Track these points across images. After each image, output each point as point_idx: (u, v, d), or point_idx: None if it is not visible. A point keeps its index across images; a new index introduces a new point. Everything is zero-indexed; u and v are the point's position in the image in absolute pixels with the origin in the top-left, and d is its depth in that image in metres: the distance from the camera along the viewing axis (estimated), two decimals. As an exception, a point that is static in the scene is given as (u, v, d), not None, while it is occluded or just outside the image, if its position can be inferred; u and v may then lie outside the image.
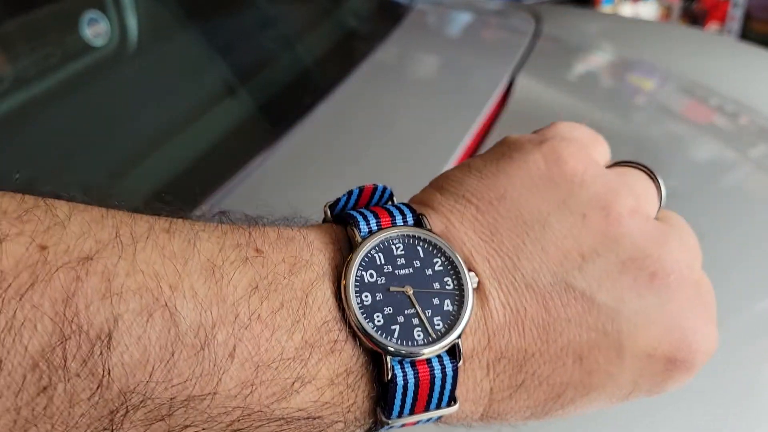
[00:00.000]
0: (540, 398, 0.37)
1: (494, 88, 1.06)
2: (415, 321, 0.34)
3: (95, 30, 0.86)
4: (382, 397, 0.34)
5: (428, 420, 0.36)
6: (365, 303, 0.34)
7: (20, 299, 0.27)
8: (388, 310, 0.34)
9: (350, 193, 0.38)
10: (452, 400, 0.35)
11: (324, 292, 0.34)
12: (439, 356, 0.34)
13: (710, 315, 0.39)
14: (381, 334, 0.33)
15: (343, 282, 0.34)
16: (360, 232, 0.36)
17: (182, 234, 0.32)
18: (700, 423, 0.60)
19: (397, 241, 0.36)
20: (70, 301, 0.27)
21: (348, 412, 0.34)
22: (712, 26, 3.29)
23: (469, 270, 0.36)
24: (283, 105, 1.02)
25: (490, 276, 0.36)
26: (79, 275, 0.28)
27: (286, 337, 0.31)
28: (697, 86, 1.18)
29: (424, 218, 0.37)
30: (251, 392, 0.31)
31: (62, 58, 0.81)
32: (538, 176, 0.38)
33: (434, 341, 0.34)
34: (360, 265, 0.35)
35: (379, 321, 0.34)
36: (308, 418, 0.32)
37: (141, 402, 0.28)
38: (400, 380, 0.33)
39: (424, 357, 0.34)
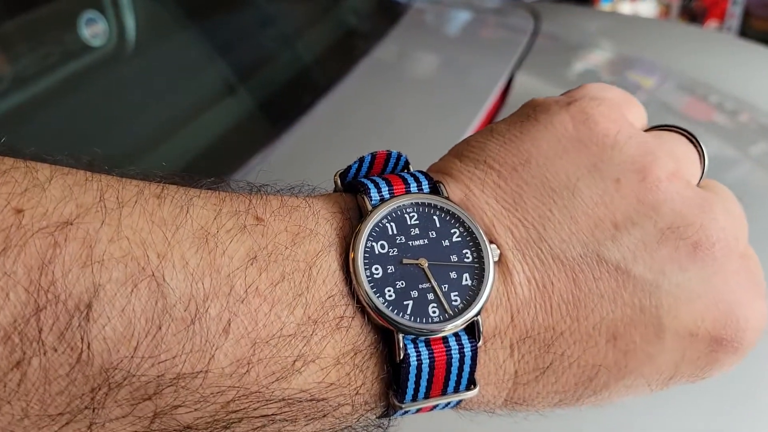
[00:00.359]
0: (570, 382, 0.34)
1: (493, 86, 1.06)
2: (430, 296, 0.32)
3: (93, 30, 0.86)
4: (394, 379, 0.31)
5: (446, 405, 0.33)
6: (375, 276, 0.31)
7: None
8: (400, 284, 0.31)
9: (362, 159, 0.35)
10: (471, 383, 0.32)
11: (330, 263, 0.31)
12: (456, 335, 0.32)
13: (759, 289, 0.35)
14: (392, 310, 0.31)
15: (351, 253, 0.31)
16: (371, 200, 0.33)
17: (174, 199, 0.30)
18: (700, 423, 0.60)
19: (411, 209, 0.33)
20: (47, 269, 0.25)
21: (356, 394, 0.31)
22: (711, 24, 3.28)
23: (491, 241, 0.33)
24: (283, 103, 1.02)
25: (514, 248, 0.33)
26: (57, 241, 0.26)
27: (286, 312, 0.29)
28: (696, 84, 1.17)
29: (441, 186, 0.34)
30: (248, 371, 0.28)
31: (60, 57, 0.81)
32: (566, 138, 0.35)
33: (451, 318, 0.31)
34: (370, 235, 0.32)
35: (390, 296, 0.31)
36: (311, 400, 0.30)
37: (125, 379, 0.26)
38: (413, 360, 0.31)
39: (439, 335, 0.31)
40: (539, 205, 0.33)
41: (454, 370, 0.32)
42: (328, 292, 0.30)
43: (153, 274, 0.27)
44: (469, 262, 0.33)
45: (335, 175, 0.36)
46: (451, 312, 0.32)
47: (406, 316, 0.31)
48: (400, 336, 0.31)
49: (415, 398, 0.32)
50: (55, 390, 0.25)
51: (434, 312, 0.31)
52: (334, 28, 1.29)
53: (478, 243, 0.33)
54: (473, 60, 1.23)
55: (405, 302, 0.31)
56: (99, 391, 0.26)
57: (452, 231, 0.33)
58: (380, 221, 0.33)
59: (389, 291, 0.31)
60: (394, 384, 0.31)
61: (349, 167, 0.35)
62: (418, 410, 0.33)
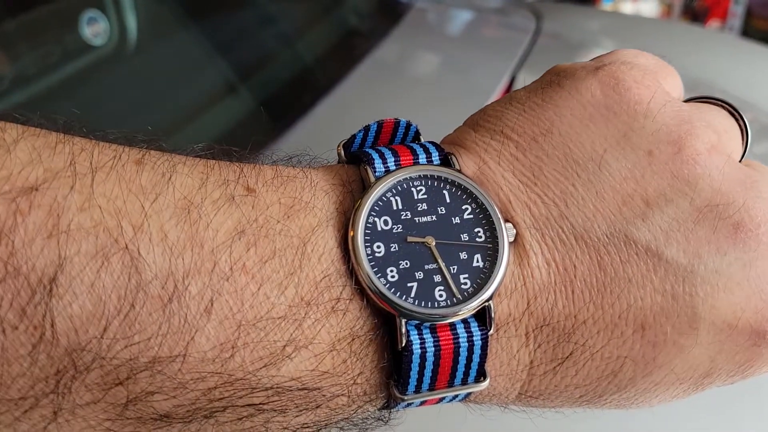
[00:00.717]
0: (592, 375, 0.31)
1: (495, 85, 1.06)
2: (437, 278, 0.29)
3: (94, 29, 0.86)
4: (395, 368, 0.28)
5: (453, 398, 0.31)
6: (377, 255, 0.28)
7: None
8: (404, 264, 0.29)
9: (367, 128, 0.32)
10: (481, 374, 0.29)
11: (326, 240, 0.28)
12: (465, 321, 0.29)
13: None
14: (395, 293, 0.28)
15: (351, 229, 0.28)
16: (374, 171, 0.30)
17: (156, 166, 0.27)
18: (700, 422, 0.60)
19: (418, 182, 0.30)
20: (6, 238, 0.23)
21: (353, 384, 0.28)
22: (713, 24, 3.28)
23: (506, 219, 0.30)
24: (283, 103, 1.02)
25: (531, 226, 0.30)
26: (20, 208, 0.23)
27: (276, 292, 0.26)
28: (698, 83, 1.17)
29: (453, 157, 0.31)
30: (232, 356, 0.26)
31: (62, 57, 0.81)
32: (592, 106, 0.31)
33: (459, 303, 0.28)
34: (372, 209, 0.29)
35: (392, 277, 0.28)
36: (303, 389, 0.27)
37: (93, 362, 0.24)
38: (416, 348, 0.28)
39: (446, 321, 0.28)
40: (561, 180, 0.30)
41: (462, 359, 0.29)
42: (324, 272, 0.28)
43: (127, 247, 0.24)
44: (481, 242, 0.30)
45: (338, 146, 0.33)
46: (459, 296, 0.29)
47: (410, 300, 0.28)
48: (403, 321, 0.28)
49: (418, 390, 0.29)
50: (15, 371, 0.23)
51: (441, 295, 0.29)
52: (336, 27, 1.29)
53: (492, 221, 0.30)
54: (475, 60, 1.23)
55: (409, 284, 0.28)
56: (65, 374, 0.24)
57: (463, 207, 0.30)
58: (384, 195, 0.30)
59: (392, 271, 0.28)
60: (395, 374, 0.29)
61: (354, 136, 0.32)
62: (422, 403, 0.30)
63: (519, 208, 0.30)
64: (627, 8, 3.39)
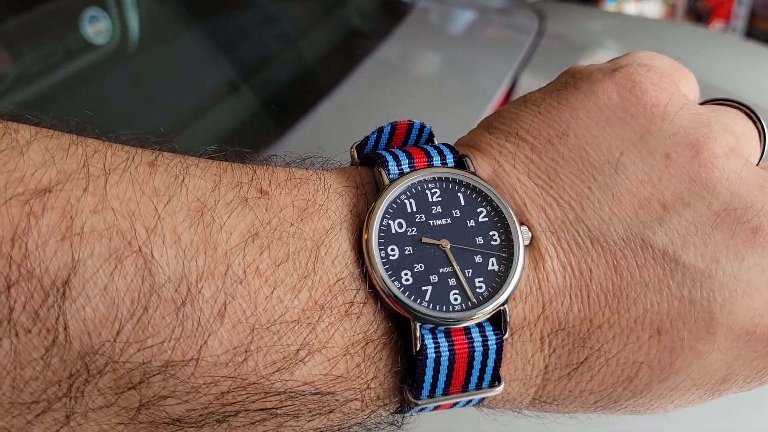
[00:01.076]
0: (607, 381, 0.30)
1: (498, 85, 1.05)
2: (452, 281, 0.28)
3: (96, 28, 0.86)
4: (409, 372, 0.28)
5: (467, 403, 0.30)
6: (391, 258, 0.28)
7: None
8: (418, 268, 0.28)
9: (380, 130, 0.32)
10: (496, 379, 0.29)
11: (340, 243, 0.28)
12: (480, 325, 0.28)
13: None
14: (409, 296, 0.28)
15: (365, 232, 0.28)
16: (389, 173, 0.30)
17: (169, 168, 0.27)
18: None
19: (432, 185, 0.30)
20: (20, 241, 0.22)
21: (366, 388, 0.28)
22: (717, 24, 3.27)
23: (521, 223, 0.30)
24: (286, 103, 1.02)
25: (547, 230, 0.29)
26: (33, 210, 0.23)
27: (290, 296, 0.26)
28: (701, 84, 1.17)
29: (468, 160, 0.31)
30: (245, 360, 0.25)
31: (63, 55, 0.81)
32: (609, 108, 0.31)
33: (474, 306, 0.28)
34: (387, 212, 0.29)
35: (407, 280, 0.28)
36: (316, 393, 0.27)
37: (106, 365, 0.24)
38: (431, 352, 0.28)
39: (461, 325, 0.28)
40: (577, 182, 0.30)
41: (477, 364, 0.28)
42: (338, 275, 0.27)
43: (140, 250, 0.24)
44: (496, 245, 0.29)
45: (352, 147, 0.32)
46: (474, 300, 0.28)
47: (424, 303, 0.28)
48: (417, 325, 0.28)
49: (432, 394, 0.28)
50: (28, 375, 0.23)
51: (456, 299, 0.28)
52: (338, 27, 1.28)
53: (507, 224, 0.29)
54: (477, 60, 1.22)
55: (423, 288, 0.28)
56: (78, 378, 0.24)
57: (478, 210, 0.30)
58: (398, 197, 0.30)
59: (406, 275, 0.28)
60: (410, 378, 0.28)
61: (367, 138, 0.32)
62: (435, 407, 0.30)
63: (534, 211, 0.30)
64: (630, 9, 3.39)
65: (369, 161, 0.32)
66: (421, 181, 0.30)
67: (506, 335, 0.29)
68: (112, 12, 0.89)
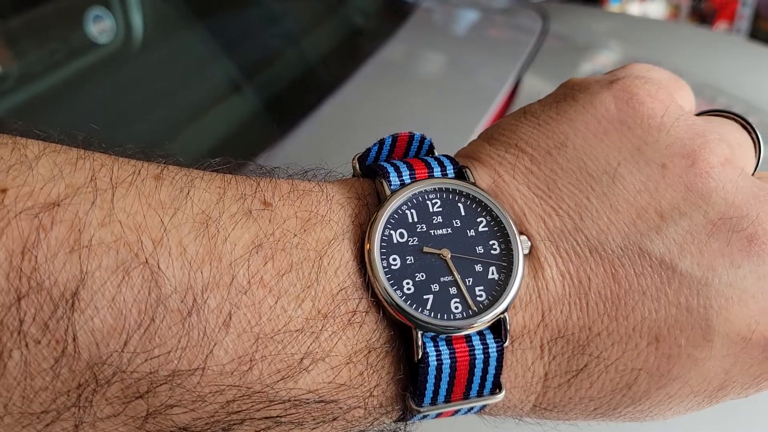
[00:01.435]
0: (606, 387, 0.31)
1: (501, 86, 1.05)
2: (453, 290, 0.29)
3: (100, 27, 0.86)
4: (411, 380, 0.28)
5: (469, 410, 0.30)
6: (393, 267, 0.28)
7: None
8: (420, 277, 0.29)
9: (382, 142, 0.32)
10: (497, 386, 0.29)
11: (342, 253, 0.28)
12: (480, 333, 0.29)
13: None
14: (411, 305, 0.28)
15: (367, 242, 0.28)
16: (390, 184, 0.30)
17: (174, 181, 0.27)
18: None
19: (433, 195, 0.31)
20: (29, 254, 0.23)
21: (369, 396, 0.28)
22: (721, 25, 3.27)
23: (521, 232, 0.30)
24: (289, 102, 1.02)
25: (546, 239, 0.30)
26: (42, 223, 0.24)
27: (293, 305, 0.26)
28: (705, 86, 1.16)
29: (467, 171, 0.31)
30: (250, 369, 0.26)
31: (67, 54, 0.81)
32: (606, 120, 0.31)
33: (475, 315, 0.29)
34: (388, 222, 0.29)
35: (408, 289, 0.28)
36: (320, 401, 0.27)
37: (114, 375, 0.24)
38: (432, 360, 0.28)
39: (462, 333, 0.29)
40: (575, 192, 0.30)
41: (478, 371, 0.29)
42: (340, 284, 0.28)
43: (147, 262, 0.25)
44: (496, 254, 0.30)
45: (353, 159, 0.33)
46: (475, 308, 0.29)
47: (426, 312, 0.28)
48: (419, 333, 0.28)
49: (434, 402, 0.29)
50: (38, 385, 0.24)
51: (457, 308, 0.29)
52: (341, 27, 1.28)
53: (507, 233, 0.30)
54: (481, 60, 1.22)
55: (425, 296, 0.29)
56: (86, 388, 0.24)
57: (478, 220, 0.30)
58: (399, 208, 0.30)
59: (408, 284, 0.29)
60: (412, 386, 0.29)
61: (368, 150, 0.33)
62: (438, 415, 0.30)
63: (533, 221, 0.30)
64: (634, 9, 3.38)
65: (370, 172, 0.32)
66: (421, 191, 0.31)
67: (506, 343, 0.29)
68: (116, 11, 0.89)
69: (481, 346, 0.29)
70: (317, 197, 0.30)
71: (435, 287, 0.29)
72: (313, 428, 0.28)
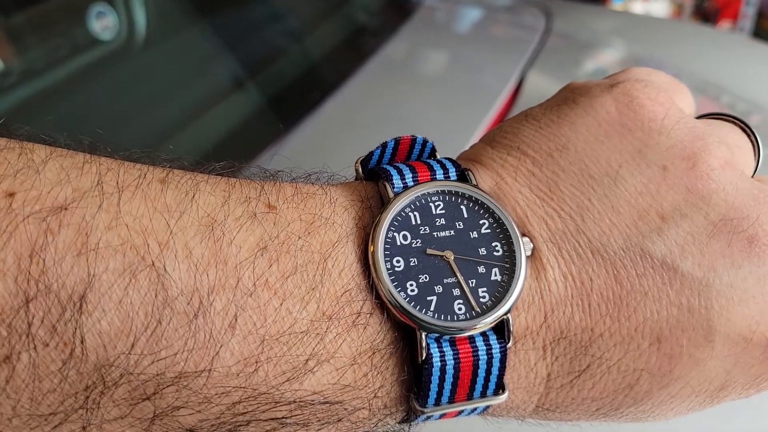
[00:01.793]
0: (608, 388, 0.31)
1: (505, 84, 1.05)
2: (456, 291, 0.29)
3: (103, 23, 0.86)
4: (416, 381, 0.29)
5: (472, 411, 0.31)
6: (396, 269, 0.29)
7: None
8: (423, 278, 0.29)
9: (384, 145, 0.33)
10: (500, 387, 0.29)
11: (347, 255, 0.29)
12: (484, 334, 0.29)
13: None
14: (414, 306, 0.28)
15: (371, 244, 0.29)
16: (393, 187, 0.31)
17: (179, 185, 0.27)
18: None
19: (436, 198, 0.31)
20: (38, 257, 0.23)
21: (374, 397, 0.29)
22: (724, 24, 3.26)
23: (523, 234, 0.30)
24: (292, 100, 1.02)
25: (548, 240, 0.30)
26: (50, 227, 0.24)
27: (298, 307, 0.27)
28: (708, 84, 1.16)
29: (470, 173, 0.32)
30: (255, 370, 0.26)
31: (70, 51, 0.81)
32: (607, 122, 0.32)
33: (478, 316, 0.29)
34: (392, 224, 0.30)
35: (412, 290, 0.28)
36: (325, 402, 0.28)
37: (121, 377, 0.24)
38: (436, 361, 0.28)
39: (465, 334, 0.29)
40: (577, 194, 0.31)
41: (481, 372, 0.29)
42: (345, 286, 0.28)
43: (153, 264, 0.25)
44: (499, 256, 0.30)
45: (356, 162, 0.33)
46: (478, 309, 0.29)
47: (430, 313, 0.28)
48: (423, 334, 0.28)
49: (438, 402, 0.29)
50: (46, 387, 0.24)
51: (460, 309, 0.29)
52: (344, 24, 1.28)
53: (509, 235, 0.30)
54: (484, 58, 1.22)
55: (428, 298, 0.29)
56: (94, 390, 0.24)
57: (481, 222, 0.31)
58: (403, 210, 0.30)
59: (411, 285, 0.29)
60: (416, 387, 0.29)
61: (371, 153, 0.33)
62: (441, 416, 0.30)
63: (536, 223, 0.31)
64: (637, 8, 3.38)
65: (373, 175, 0.32)
66: (424, 194, 0.31)
67: (509, 344, 0.29)
68: (119, 8, 0.89)
69: (485, 347, 0.29)
70: (321, 200, 0.30)
71: (438, 289, 0.29)
72: (318, 429, 0.29)
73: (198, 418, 0.26)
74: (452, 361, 0.29)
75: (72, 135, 0.29)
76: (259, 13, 1.13)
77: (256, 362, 0.26)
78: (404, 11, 1.33)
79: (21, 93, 0.75)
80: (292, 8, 1.22)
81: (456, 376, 0.29)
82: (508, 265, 0.30)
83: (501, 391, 0.30)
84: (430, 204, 0.31)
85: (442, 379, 0.29)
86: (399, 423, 0.31)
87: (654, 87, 0.33)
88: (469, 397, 0.30)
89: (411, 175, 0.31)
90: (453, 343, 0.29)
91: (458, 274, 0.30)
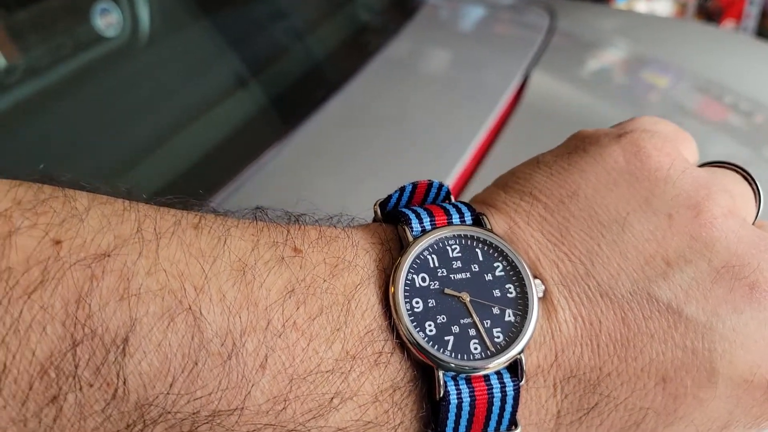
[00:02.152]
0: (616, 425, 0.32)
1: (508, 83, 1.05)
2: (472, 332, 0.31)
3: (107, 20, 0.86)
4: (433, 417, 0.30)
5: None
6: (416, 310, 0.30)
7: (28, 298, 0.24)
8: (441, 319, 0.30)
9: (402, 189, 0.34)
10: (513, 423, 0.31)
11: (369, 297, 0.30)
12: (498, 373, 0.30)
13: None
14: (433, 346, 0.30)
15: (392, 286, 0.30)
16: (412, 231, 0.32)
17: (212, 230, 0.29)
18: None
19: (453, 241, 0.32)
20: (84, 302, 0.25)
21: None
22: (728, 24, 3.26)
23: (535, 276, 0.32)
24: (295, 98, 1.02)
25: (559, 283, 0.32)
26: (94, 273, 0.25)
27: (324, 347, 0.28)
28: (711, 84, 1.16)
29: (484, 218, 0.33)
30: (284, 408, 0.27)
31: (74, 48, 0.81)
32: (616, 171, 0.34)
33: (493, 355, 0.30)
34: (411, 267, 0.31)
35: (431, 330, 0.30)
36: None
37: (160, 416, 0.26)
38: (453, 398, 0.30)
39: (481, 373, 0.30)
40: (587, 239, 0.32)
41: (496, 409, 0.30)
42: (367, 327, 0.30)
43: (190, 308, 0.26)
44: (512, 298, 0.32)
45: (375, 205, 0.35)
46: (493, 349, 0.30)
47: (447, 352, 0.30)
48: (441, 373, 0.30)
49: None
50: (90, 426, 0.25)
51: (476, 348, 0.30)
52: (348, 23, 1.28)
53: (522, 278, 0.32)
54: (488, 57, 1.22)
55: (446, 337, 0.30)
56: (134, 428, 0.26)
57: (495, 265, 0.32)
58: (421, 253, 0.32)
59: (430, 325, 0.30)
60: (433, 423, 0.30)
61: (390, 197, 0.35)
62: None
63: (547, 266, 0.32)
64: (641, 7, 3.37)
65: (392, 218, 0.34)
66: (442, 238, 0.32)
67: (522, 382, 0.31)
68: (123, 5, 0.89)
69: (499, 385, 0.30)
70: (343, 243, 0.31)
71: (455, 329, 0.30)
72: None
73: None
74: (468, 398, 0.30)
75: (110, 183, 0.30)
76: (263, 11, 1.13)
77: (285, 400, 0.27)
78: (408, 10, 1.33)
79: (25, 90, 0.75)
80: (296, 6, 1.22)
81: (471, 413, 0.30)
82: (521, 307, 0.31)
83: (514, 426, 0.31)
84: (447, 247, 0.32)
85: (458, 415, 0.30)
86: None
87: (660, 137, 0.35)
88: None
89: (428, 219, 0.33)
90: (469, 381, 0.30)
91: (474, 315, 0.31)
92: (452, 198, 0.35)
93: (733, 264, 0.32)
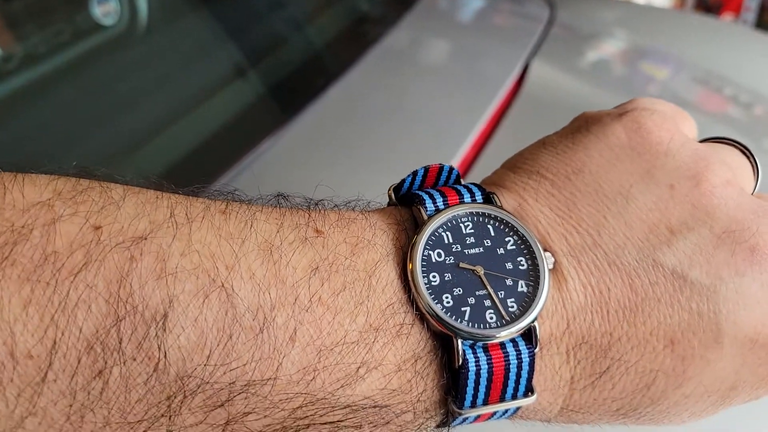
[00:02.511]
0: (627, 388, 0.34)
1: (508, 74, 1.05)
2: (487, 302, 0.32)
3: (105, 9, 0.86)
4: (453, 385, 0.32)
5: (504, 413, 0.34)
6: (433, 283, 0.32)
7: (74, 279, 0.26)
8: (457, 291, 0.32)
9: (415, 173, 0.36)
10: (529, 389, 0.32)
11: (388, 272, 0.32)
12: (513, 341, 0.32)
13: None
14: (451, 316, 0.31)
15: (410, 262, 0.32)
16: (426, 210, 0.34)
17: (239, 215, 0.31)
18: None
19: (465, 218, 0.34)
20: (125, 282, 0.27)
21: (417, 401, 0.32)
22: (727, 17, 3.25)
23: (545, 249, 0.34)
24: (294, 87, 1.02)
25: (568, 254, 0.33)
26: (133, 255, 0.27)
27: (349, 320, 0.30)
28: (710, 75, 1.16)
29: (494, 196, 0.35)
30: (314, 378, 0.29)
31: (71, 36, 0.81)
32: (618, 147, 0.35)
33: (508, 324, 0.32)
34: (427, 243, 0.33)
35: (448, 302, 0.32)
36: (375, 406, 0.31)
37: (199, 387, 0.27)
38: (472, 366, 0.31)
39: (497, 341, 0.32)
40: (593, 212, 0.34)
41: (512, 375, 0.32)
42: (388, 300, 0.31)
43: (223, 285, 0.28)
44: (524, 270, 0.33)
45: (389, 189, 0.37)
46: (508, 318, 0.32)
47: (464, 322, 0.31)
48: (459, 342, 0.31)
49: (473, 404, 0.32)
50: (134, 398, 0.27)
51: (491, 318, 0.32)
52: (347, 13, 1.28)
53: (533, 251, 0.33)
54: (487, 48, 1.21)
55: (463, 308, 0.32)
56: (175, 399, 0.27)
57: (506, 239, 0.34)
58: (436, 230, 0.33)
59: (447, 298, 0.32)
60: (453, 390, 0.32)
61: (403, 181, 0.36)
62: (476, 417, 0.33)
63: (557, 239, 0.34)
64: (640, -1, 3.37)
65: (406, 200, 0.36)
66: (455, 216, 0.34)
67: (536, 349, 0.32)
68: (121, -7, 0.89)
69: (515, 352, 0.32)
70: (362, 224, 0.33)
71: (471, 300, 0.32)
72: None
73: (264, 423, 0.29)
74: (486, 366, 0.31)
75: (143, 176, 0.32)
76: (261, 1, 1.13)
77: (314, 370, 0.29)
78: (407, 0, 1.33)
79: (22, 78, 0.75)
80: (295, -4, 1.22)
81: (489, 379, 0.32)
82: (532, 278, 0.33)
83: (530, 392, 0.32)
84: (461, 224, 0.34)
85: (477, 382, 0.31)
86: (437, 427, 0.34)
87: (660, 115, 0.36)
88: (502, 399, 0.32)
89: (442, 199, 0.35)
90: (486, 349, 0.32)
91: (488, 287, 0.33)
92: (462, 180, 0.37)
93: (734, 229, 0.33)
